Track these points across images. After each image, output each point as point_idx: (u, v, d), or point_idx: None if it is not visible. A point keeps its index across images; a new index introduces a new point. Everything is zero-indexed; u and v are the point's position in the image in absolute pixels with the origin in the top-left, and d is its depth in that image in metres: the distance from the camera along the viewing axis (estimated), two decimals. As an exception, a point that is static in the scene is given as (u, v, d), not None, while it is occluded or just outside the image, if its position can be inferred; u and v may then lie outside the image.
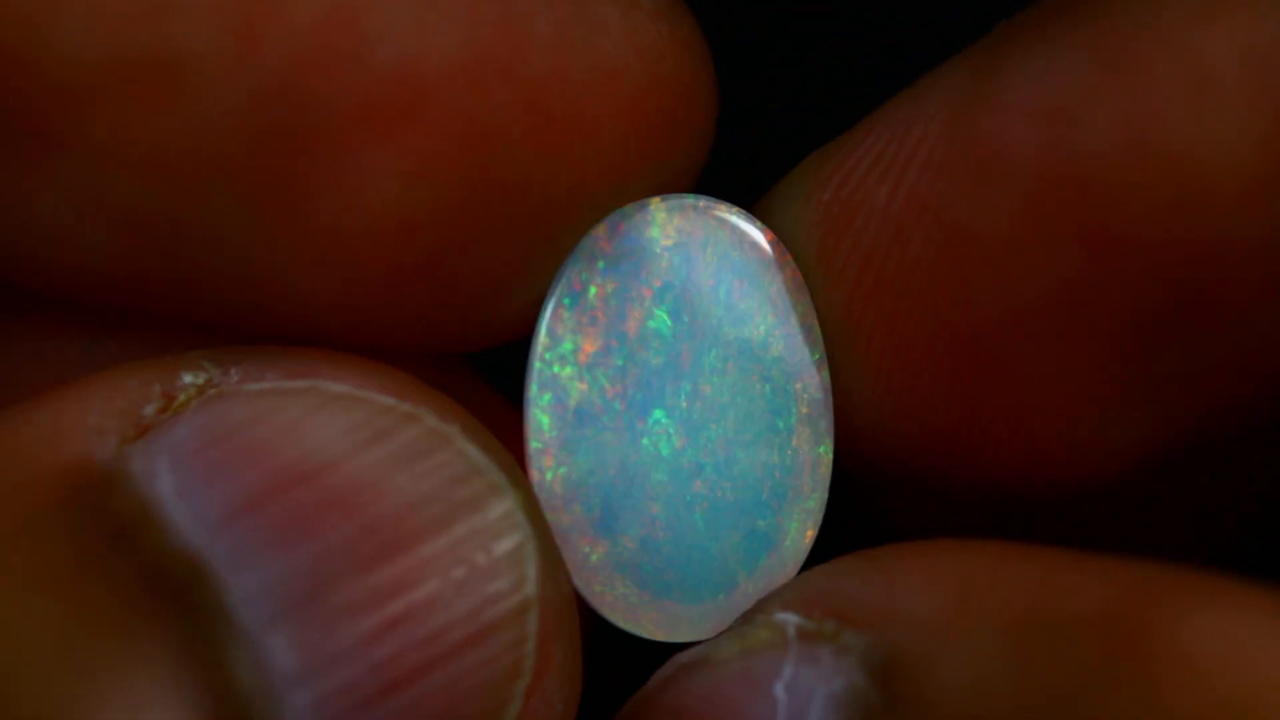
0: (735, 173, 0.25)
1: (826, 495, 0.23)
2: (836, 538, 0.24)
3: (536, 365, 0.23)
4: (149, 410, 0.20)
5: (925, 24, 0.28)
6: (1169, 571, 0.20)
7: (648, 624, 0.23)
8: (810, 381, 0.23)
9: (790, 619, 0.21)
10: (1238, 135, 0.20)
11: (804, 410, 0.23)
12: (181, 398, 0.20)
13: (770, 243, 0.23)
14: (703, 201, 0.24)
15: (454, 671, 0.20)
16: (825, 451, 0.23)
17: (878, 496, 0.27)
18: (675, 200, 0.23)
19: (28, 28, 0.21)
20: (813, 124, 0.25)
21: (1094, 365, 0.22)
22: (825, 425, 0.23)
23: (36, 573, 0.19)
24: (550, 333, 0.23)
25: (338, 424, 0.20)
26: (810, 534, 0.23)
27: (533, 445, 0.23)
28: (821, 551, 0.23)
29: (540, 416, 0.23)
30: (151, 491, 0.20)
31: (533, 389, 0.23)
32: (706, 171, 0.25)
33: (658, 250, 0.23)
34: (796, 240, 0.23)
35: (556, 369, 0.23)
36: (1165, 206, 0.21)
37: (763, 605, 0.22)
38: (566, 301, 0.23)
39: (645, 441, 0.23)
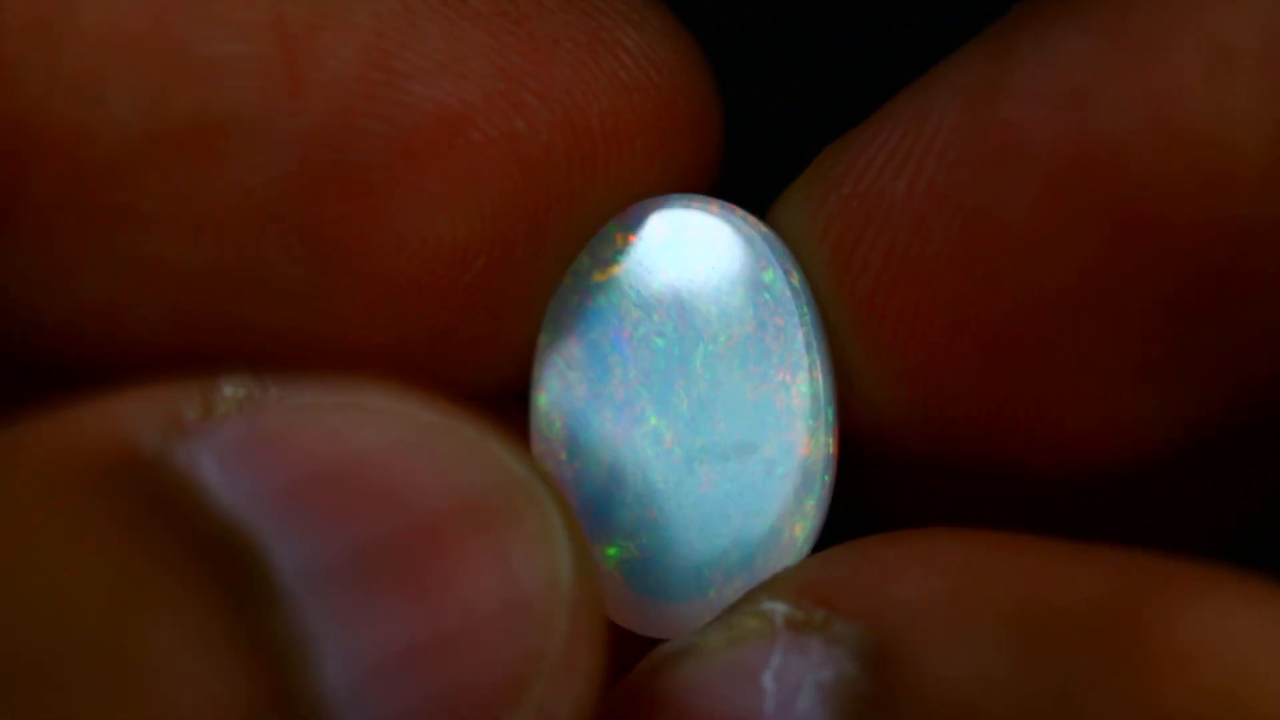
0: (744, 174, 0.25)
1: (827, 494, 0.23)
2: (836, 531, 0.24)
3: (537, 364, 0.23)
4: (190, 415, 0.20)
5: (928, 21, 0.28)
6: (1165, 563, 0.20)
7: (641, 621, 0.23)
8: (810, 379, 0.23)
9: (778, 608, 0.21)
10: (1258, 113, 0.20)
11: (801, 407, 0.23)
12: (222, 408, 0.20)
13: (768, 238, 0.23)
14: (700, 201, 0.24)
15: (485, 656, 0.20)
16: (822, 449, 0.23)
17: (882, 489, 0.27)
18: (677, 200, 0.24)
19: (73, 104, 0.21)
20: (819, 123, 0.25)
21: (1123, 345, 0.22)
22: (822, 423, 0.23)
23: (85, 536, 0.19)
24: (551, 331, 0.23)
25: (379, 431, 0.20)
26: (800, 529, 0.23)
27: (536, 446, 0.23)
28: (821, 546, 0.23)
29: (540, 415, 0.23)
30: (197, 475, 0.20)
31: (535, 386, 0.23)
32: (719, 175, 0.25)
33: (657, 251, 0.23)
34: (814, 237, 0.23)
35: (560, 366, 0.23)
36: (1187, 187, 0.20)
37: (751, 595, 0.22)
38: (573, 301, 0.23)
39: (641, 440, 0.23)
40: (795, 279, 0.23)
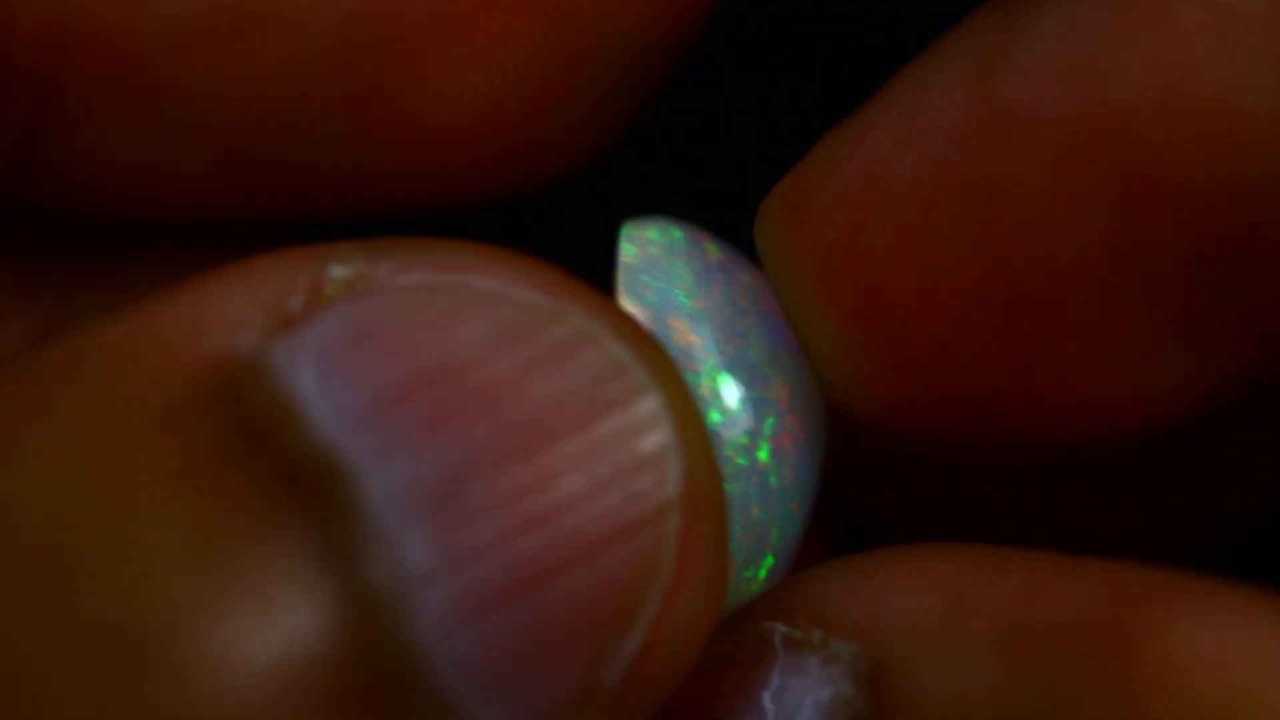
0: (737, 174, 0.25)
1: (803, 509, 0.23)
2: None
3: None
4: (295, 303, 0.20)
5: (927, 23, 0.28)
6: (1155, 575, 0.20)
7: None
8: (787, 388, 0.23)
9: (776, 628, 0.21)
10: (1263, 74, 0.20)
11: (780, 417, 0.23)
12: (329, 290, 0.20)
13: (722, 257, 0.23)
14: (662, 227, 0.24)
15: (591, 569, 0.19)
16: (802, 460, 0.23)
17: (869, 491, 0.27)
18: (638, 228, 0.24)
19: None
20: (817, 122, 0.25)
21: (1143, 309, 0.22)
22: (797, 430, 0.23)
23: (175, 467, 0.19)
24: None
25: (483, 321, 0.20)
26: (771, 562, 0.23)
27: None
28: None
29: None
30: (292, 385, 0.20)
31: None
32: (710, 174, 0.25)
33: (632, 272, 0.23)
34: (819, 221, 0.23)
35: None
36: (1199, 152, 0.20)
37: (746, 615, 0.22)
38: None
39: None
40: (763, 288, 0.23)
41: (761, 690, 0.21)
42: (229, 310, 0.20)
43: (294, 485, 0.19)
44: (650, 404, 0.20)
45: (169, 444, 0.19)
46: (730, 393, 0.23)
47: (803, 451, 0.23)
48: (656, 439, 0.20)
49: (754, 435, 0.23)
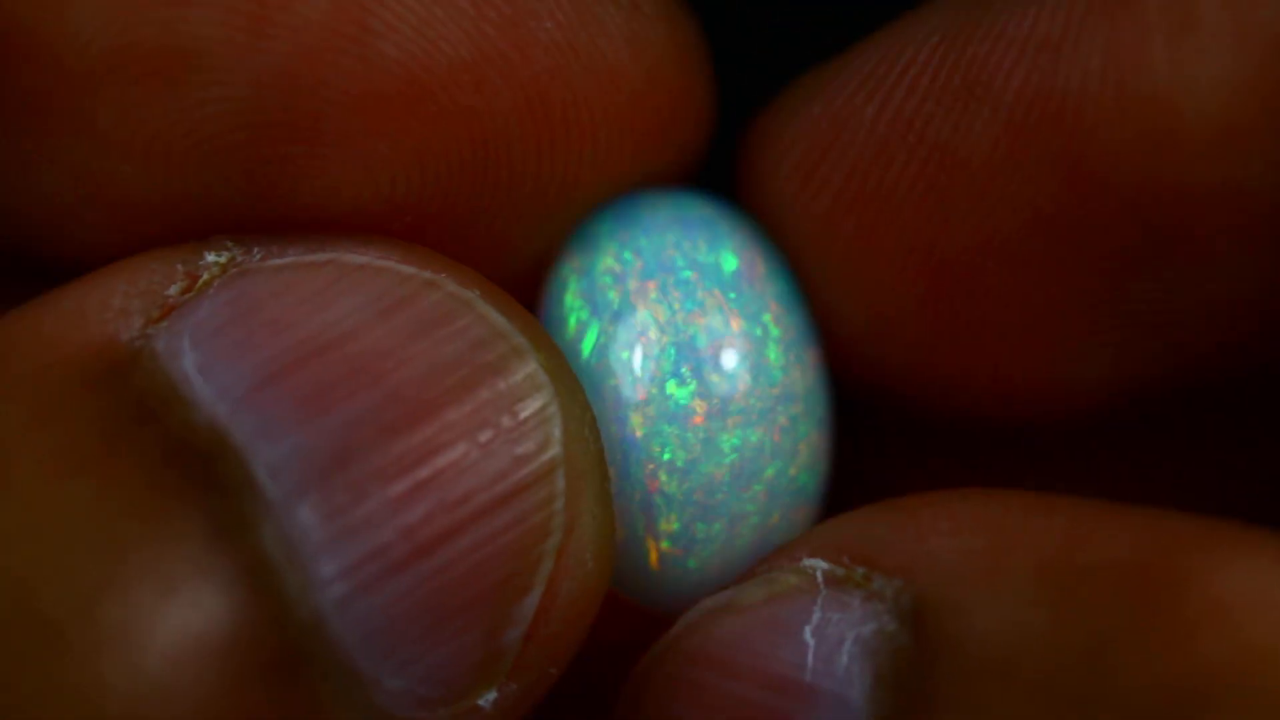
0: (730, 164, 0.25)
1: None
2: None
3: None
4: (173, 290, 0.21)
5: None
6: (1200, 520, 0.20)
7: None
8: (798, 358, 0.23)
9: (818, 564, 0.21)
10: (1212, 80, 0.21)
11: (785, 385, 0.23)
12: (205, 276, 0.21)
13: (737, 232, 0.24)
14: (677, 198, 0.24)
15: (483, 533, 0.20)
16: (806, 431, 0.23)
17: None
18: (656, 196, 0.24)
19: (40, 12, 0.21)
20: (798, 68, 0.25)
21: (1067, 297, 0.22)
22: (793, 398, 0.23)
23: (64, 454, 0.19)
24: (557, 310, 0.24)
25: (358, 294, 0.20)
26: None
27: None
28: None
29: None
30: (175, 368, 0.20)
31: None
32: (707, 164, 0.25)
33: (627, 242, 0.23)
34: (783, 154, 0.23)
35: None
36: (1138, 147, 0.21)
37: (789, 551, 0.22)
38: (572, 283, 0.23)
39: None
40: (767, 258, 0.24)
41: (803, 625, 0.21)
42: (109, 301, 0.20)
43: (183, 465, 0.19)
44: (528, 366, 0.20)
45: (56, 432, 0.19)
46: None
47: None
48: (537, 402, 0.20)
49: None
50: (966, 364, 0.23)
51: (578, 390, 0.21)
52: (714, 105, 0.24)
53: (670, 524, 0.23)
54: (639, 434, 0.23)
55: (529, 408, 0.20)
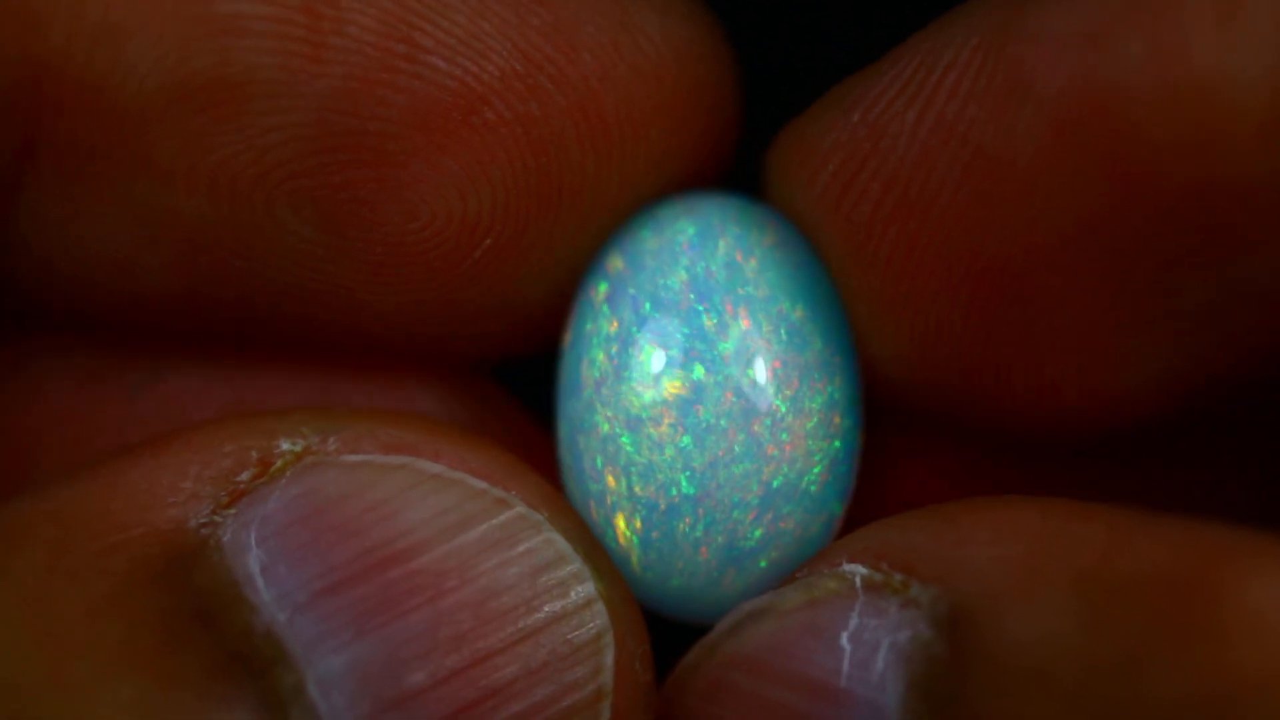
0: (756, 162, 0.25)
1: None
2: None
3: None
4: (244, 476, 0.21)
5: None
6: (1235, 531, 0.20)
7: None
8: (832, 364, 0.23)
9: (857, 570, 0.21)
10: (1262, 70, 0.20)
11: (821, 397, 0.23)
12: (278, 464, 0.21)
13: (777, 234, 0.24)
14: (719, 197, 0.24)
15: None
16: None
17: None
18: (698, 196, 0.24)
19: (94, 54, 0.21)
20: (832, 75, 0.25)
21: (1117, 300, 0.22)
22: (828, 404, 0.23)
23: (122, 645, 0.19)
24: (585, 316, 0.24)
25: (429, 505, 0.20)
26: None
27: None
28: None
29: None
30: (240, 565, 0.20)
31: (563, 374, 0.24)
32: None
33: (679, 246, 0.23)
34: (820, 163, 0.23)
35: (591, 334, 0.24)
36: (1186, 140, 0.21)
37: (828, 556, 0.22)
38: (602, 286, 0.24)
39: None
40: (811, 261, 0.23)
41: (840, 631, 0.21)
42: (179, 485, 0.20)
43: (239, 669, 0.19)
44: (587, 592, 0.21)
45: (118, 623, 0.19)
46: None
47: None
48: (592, 628, 0.20)
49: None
50: (1014, 374, 0.23)
51: (635, 621, 0.21)
52: (742, 107, 0.24)
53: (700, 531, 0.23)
54: (664, 436, 0.23)
55: (583, 634, 0.20)
